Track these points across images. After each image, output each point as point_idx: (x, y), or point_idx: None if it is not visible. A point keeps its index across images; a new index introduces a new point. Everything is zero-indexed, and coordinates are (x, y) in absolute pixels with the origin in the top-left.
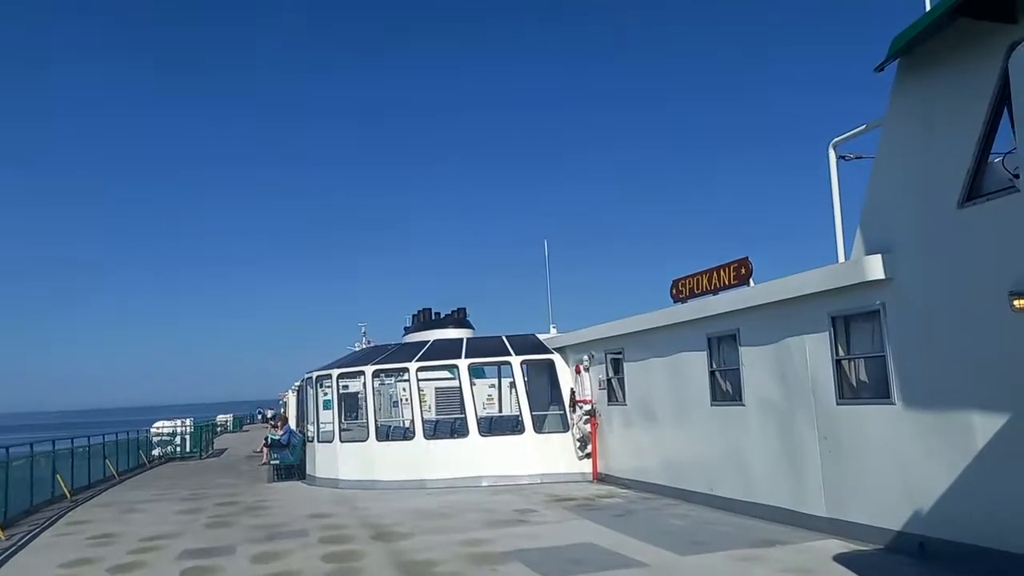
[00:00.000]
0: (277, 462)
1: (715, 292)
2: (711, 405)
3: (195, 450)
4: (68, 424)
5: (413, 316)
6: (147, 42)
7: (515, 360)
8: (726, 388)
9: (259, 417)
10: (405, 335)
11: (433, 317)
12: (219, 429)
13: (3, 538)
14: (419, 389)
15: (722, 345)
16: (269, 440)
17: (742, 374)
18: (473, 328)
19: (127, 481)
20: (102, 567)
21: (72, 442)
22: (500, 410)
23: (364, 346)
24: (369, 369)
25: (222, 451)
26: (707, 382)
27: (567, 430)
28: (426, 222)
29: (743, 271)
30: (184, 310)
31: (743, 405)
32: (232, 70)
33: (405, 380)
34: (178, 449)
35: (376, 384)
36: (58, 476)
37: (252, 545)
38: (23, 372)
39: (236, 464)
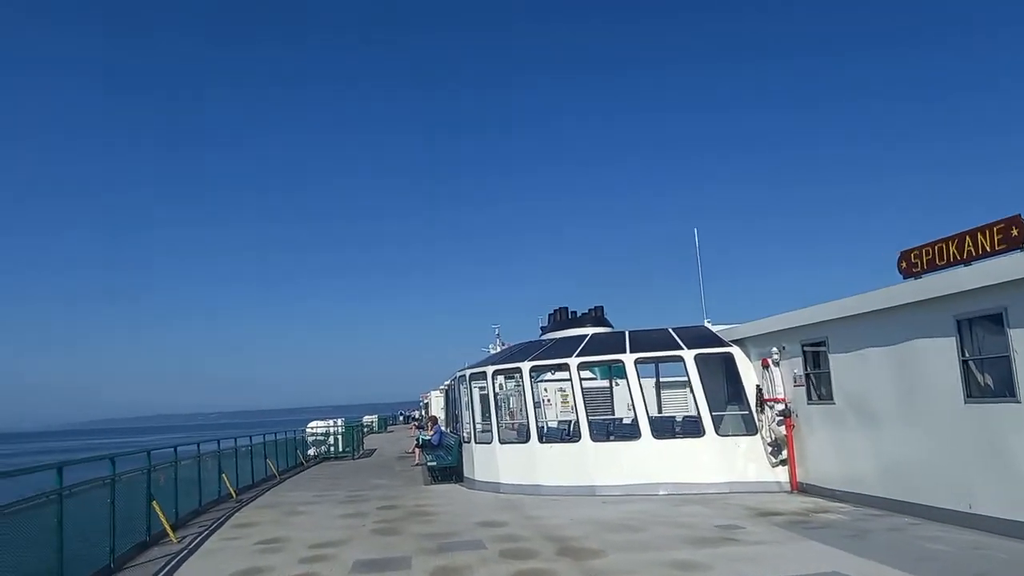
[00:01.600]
0: (433, 464)
1: (967, 262)
2: (965, 403)
3: (347, 450)
4: (225, 424)
5: (550, 316)
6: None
7: (687, 354)
8: (986, 381)
9: (401, 418)
10: (542, 335)
11: (570, 316)
12: (365, 430)
13: (175, 540)
14: (561, 390)
15: (979, 328)
16: (420, 441)
17: (1016, 363)
18: (611, 326)
19: (287, 481)
20: None
21: (235, 442)
22: (659, 410)
23: (500, 348)
24: (526, 366)
25: (372, 451)
26: (958, 374)
27: (754, 432)
28: (556, 225)
29: (1014, 233)
30: (325, 318)
31: (1018, 402)
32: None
33: (545, 380)
34: (331, 449)
35: (511, 385)
36: (223, 476)
37: (426, 557)
38: (186, 375)
39: (389, 464)
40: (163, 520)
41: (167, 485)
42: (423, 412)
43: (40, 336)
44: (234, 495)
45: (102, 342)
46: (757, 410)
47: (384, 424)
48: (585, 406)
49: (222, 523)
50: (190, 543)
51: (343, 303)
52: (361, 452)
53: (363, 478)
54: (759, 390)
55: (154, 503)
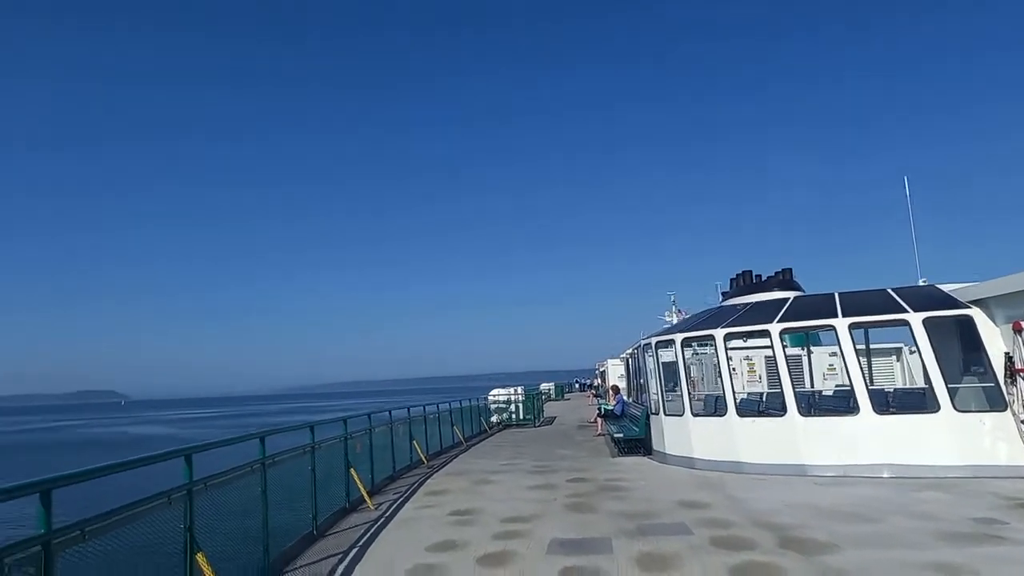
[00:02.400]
0: (619, 435)
1: None
2: None
3: (528, 417)
4: (407, 391)
5: (731, 280)
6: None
7: (914, 318)
8: None
9: (577, 386)
10: (723, 301)
11: (755, 280)
12: (543, 397)
13: (372, 507)
14: (748, 358)
15: None
16: (603, 410)
17: None
18: (802, 289)
19: (473, 448)
20: (470, 554)
21: (424, 409)
22: (871, 382)
23: (677, 316)
24: (719, 333)
25: (552, 419)
26: None
27: (1003, 408)
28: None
29: None
30: (503, 290)
31: None
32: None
33: (729, 348)
34: (513, 416)
35: (688, 354)
36: (414, 442)
37: (628, 540)
38: (375, 346)
39: (570, 434)
40: (360, 487)
41: (363, 452)
42: (599, 381)
43: (248, 312)
44: (425, 461)
45: (296, 317)
46: (1007, 382)
47: (561, 392)
48: (791, 377)
49: (415, 490)
50: (386, 510)
51: (518, 275)
52: (541, 420)
53: (547, 447)
54: (1008, 358)
55: (352, 470)
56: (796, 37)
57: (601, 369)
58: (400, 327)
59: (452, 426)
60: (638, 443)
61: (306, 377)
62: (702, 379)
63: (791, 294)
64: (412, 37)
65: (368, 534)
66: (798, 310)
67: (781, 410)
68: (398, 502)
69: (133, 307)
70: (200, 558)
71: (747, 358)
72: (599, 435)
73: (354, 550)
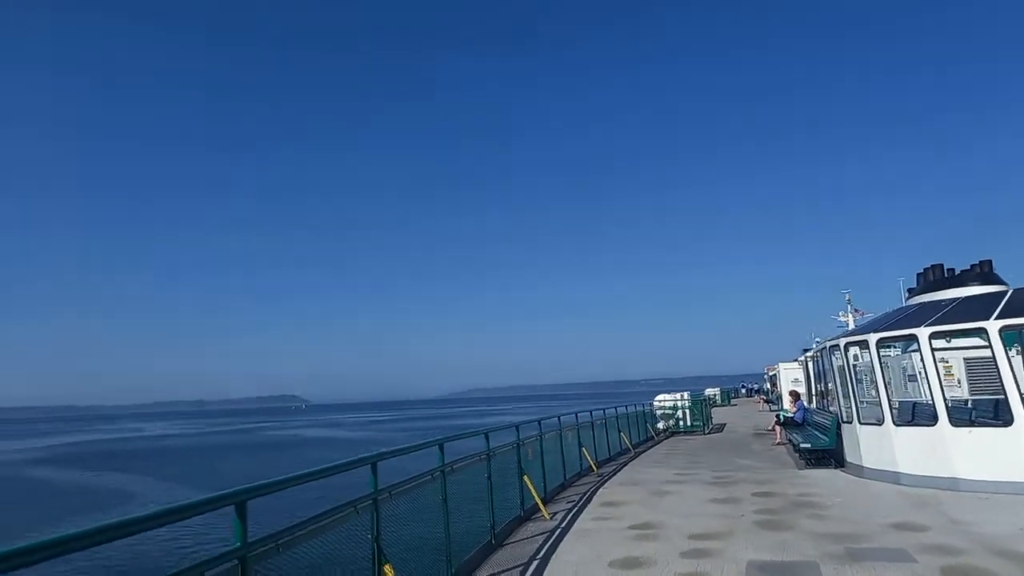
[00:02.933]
0: (806, 445)
1: None
2: None
3: (697, 424)
4: (562, 396)
5: (919, 275)
6: None
7: None
8: None
9: (743, 391)
10: (909, 298)
11: (946, 274)
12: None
13: (547, 517)
14: (944, 360)
15: None
16: (782, 417)
17: None
18: (1005, 284)
19: (641, 456)
20: (658, 574)
21: (591, 414)
22: None
23: (854, 317)
24: (924, 332)
25: (722, 426)
26: None
27: None
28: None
29: None
30: (657, 291)
31: None
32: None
33: (916, 349)
34: (680, 423)
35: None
36: (583, 449)
37: (838, 566)
38: (535, 350)
39: (744, 442)
40: (535, 495)
41: (534, 459)
42: (768, 385)
43: (417, 318)
44: (595, 469)
45: (456, 322)
46: None
47: (727, 397)
48: (966, 382)
49: (588, 499)
50: (562, 520)
51: (671, 276)
52: (711, 427)
53: (722, 456)
54: None
55: (525, 477)
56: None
57: (771, 373)
58: (555, 331)
59: (619, 433)
60: (826, 454)
61: (467, 383)
62: (889, 383)
63: (994, 288)
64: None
65: (547, 546)
66: (1020, 306)
67: (1001, 419)
68: (573, 512)
69: (310, 315)
70: (388, 570)
71: (943, 360)
72: (779, 444)
73: (535, 563)
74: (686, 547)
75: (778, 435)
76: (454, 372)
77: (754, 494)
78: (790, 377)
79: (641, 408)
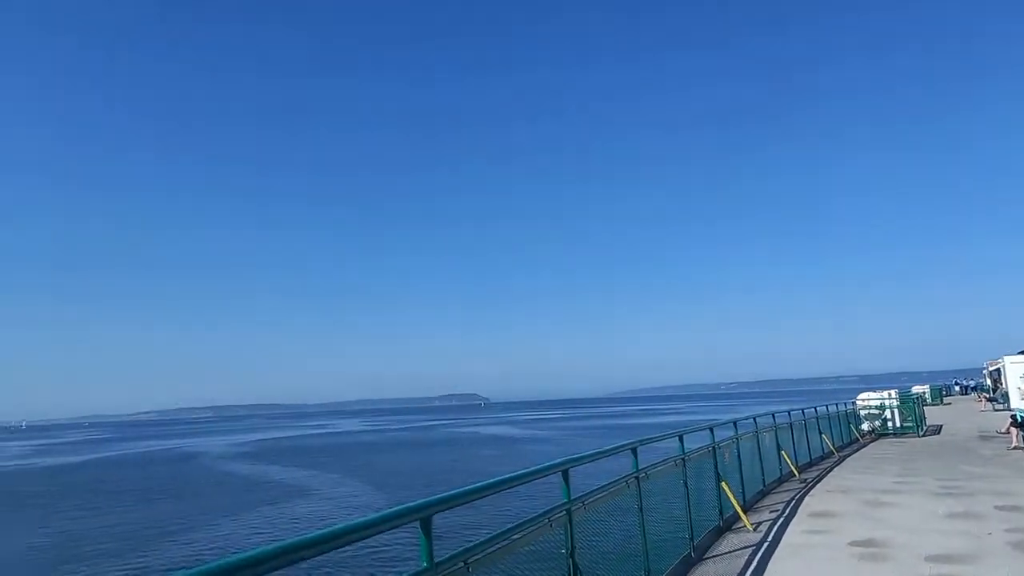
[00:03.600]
0: None
1: None
2: None
3: (908, 425)
4: (746, 395)
5: None
6: None
7: None
8: None
9: (957, 388)
10: None
11: None
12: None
13: (749, 527)
14: None
15: None
16: (1019, 418)
17: None
18: None
19: (847, 461)
20: None
21: (789, 415)
22: None
23: None
24: None
25: (938, 428)
26: None
27: None
28: None
29: None
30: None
31: None
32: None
33: None
34: (888, 424)
35: None
36: (783, 452)
37: None
38: (707, 347)
39: (970, 446)
40: (734, 503)
41: (731, 463)
42: (989, 381)
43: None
44: (796, 474)
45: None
46: None
47: (939, 395)
48: None
49: (794, 509)
50: (767, 533)
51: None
52: (926, 428)
53: (946, 462)
54: None
55: (723, 484)
56: None
57: (994, 368)
58: (732, 325)
59: (820, 434)
60: None
61: (636, 381)
62: None
63: None
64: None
65: (755, 563)
66: None
67: None
68: (779, 523)
69: (493, 314)
70: None
71: None
72: (1014, 448)
73: None
74: (926, 572)
75: (1014, 438)
76: (625, 370)
77: (998, 507)
78: (1018, 373)
79: (844, 407)
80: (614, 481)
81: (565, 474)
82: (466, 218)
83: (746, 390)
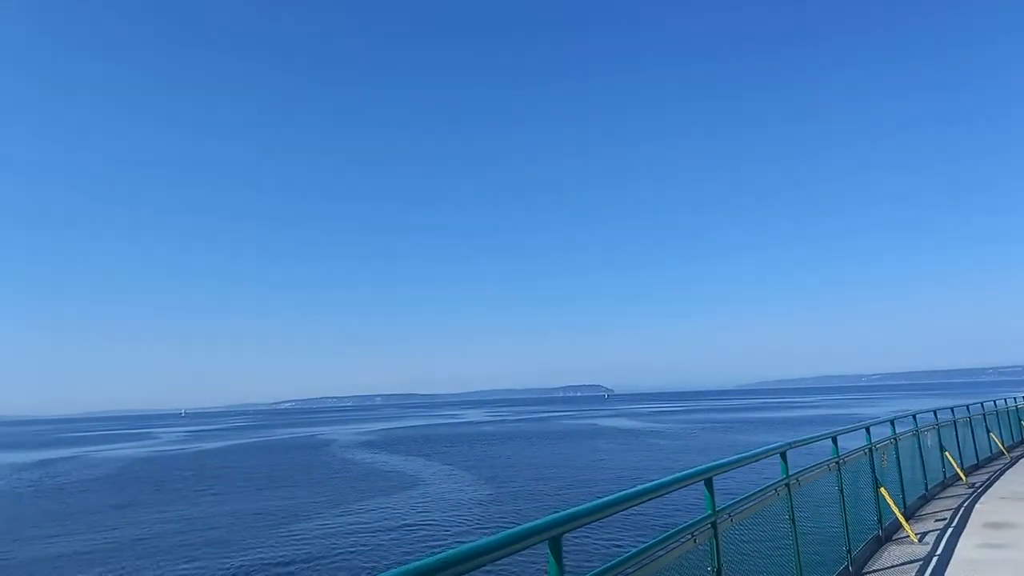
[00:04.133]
0: None
1: None
2: None
3: None
4: (891, 387)
5: None
6: None
7: None
8: None
9: None
10: None
11: None
12: None
13: (913, 538)
14: None
15: None
16: None
17: None
18: None
19: (1021, 462)
20: None
21: (952, 412)
22: None
23: None
24: None
25: None
26: None
27: None
28: None
29: None
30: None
31: None
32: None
33: None
34: None
35: None
36: (946, 453)
37: None
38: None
39: None
40: (895, 511)
41: (889, 466)
42: None
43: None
44: (963, 478)
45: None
46: None
47: None
48: None
49: (964, 519)
50: (935, 545)
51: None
52: None
53: None
54: None
55: (882, 490)
56: None
57: None
58: (870, 313)
59: (988, 433)
60: None
61: (766, 373)
62: None
63: None
64: None
65: None
66: None
67: None
68: (948, 534)
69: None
70: None
71: None
72: None
73: None
74: None
75: None
76: (758, 361)
77: None
78: None
79: (1014, 402)
80: (763, 489)
81: (708, 483)
82: (603, 213)
83: (891, 382)
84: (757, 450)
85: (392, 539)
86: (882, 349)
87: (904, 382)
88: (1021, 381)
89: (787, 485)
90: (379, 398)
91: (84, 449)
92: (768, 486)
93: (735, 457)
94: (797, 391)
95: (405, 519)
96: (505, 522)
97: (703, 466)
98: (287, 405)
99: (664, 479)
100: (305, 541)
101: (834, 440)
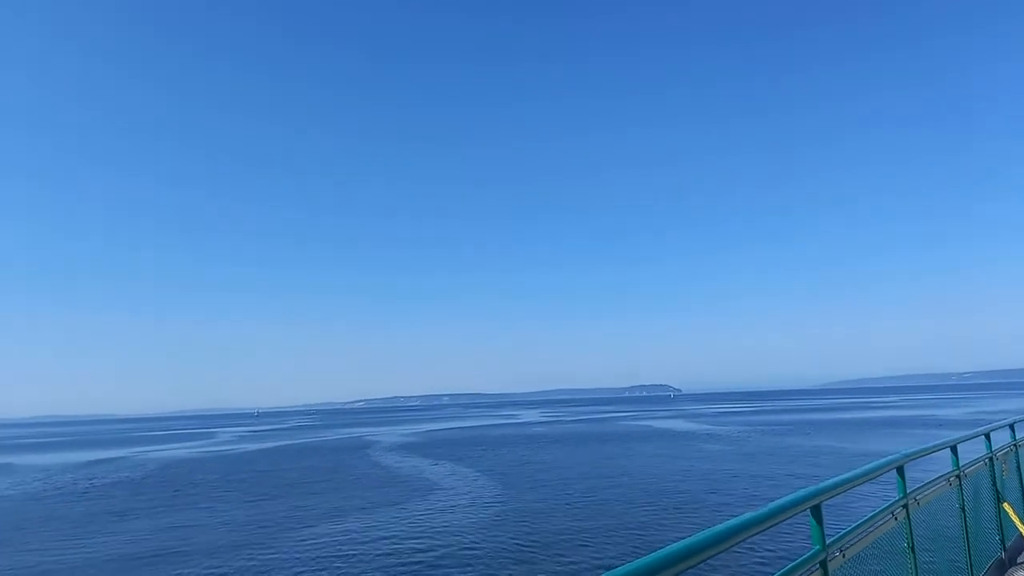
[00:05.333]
0: None
1: None
2: None
3: None
4: (987, 385)
5: None
6: None
7: None
8: None
9: None
10: None
11: None
12: None
13: None
14: None
15: None
16: None
17: None
18: None
19: None
20: None
21: None
22: None
23: None
24: None
25: None
26: None
27: None
28: None
29: None
30: None
31: None
32: None
33: None
34: None
35: None
36: None
37: None
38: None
39: None
40: (1022, 529)
41: (1010, 477)
42: None
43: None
44: None
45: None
46: None
47: None
48: None
49: None
50: None
51: None
52: None
53: None
54: None
55: (1005, 505)
56: None
57: None
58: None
59: None
60: None
61: (849, 371)
62: None
63: None
64: None
65: None
66: None
67: None
68: None
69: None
70: None
71: None
72: None
73: None
74: None
75: None
76: (841, 358)
77: None
78: None
79: None
80: (876, 514)
81: (816, 511)
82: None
83: (985, 380)
84: (869, 466)
85: (362, 561)
86: (976, 344)
87: (999, 380)
88: None
89: (905, 507)
90: (446, 397)
91: (138, 449)
92: (883, 509)
93: (846, 476)
94: (876, 390)
95: (387, 538)
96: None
97: (807, 491)
98: (359, 404)
99: (767, 510)
100: (278, 556)
101: (953, 449)
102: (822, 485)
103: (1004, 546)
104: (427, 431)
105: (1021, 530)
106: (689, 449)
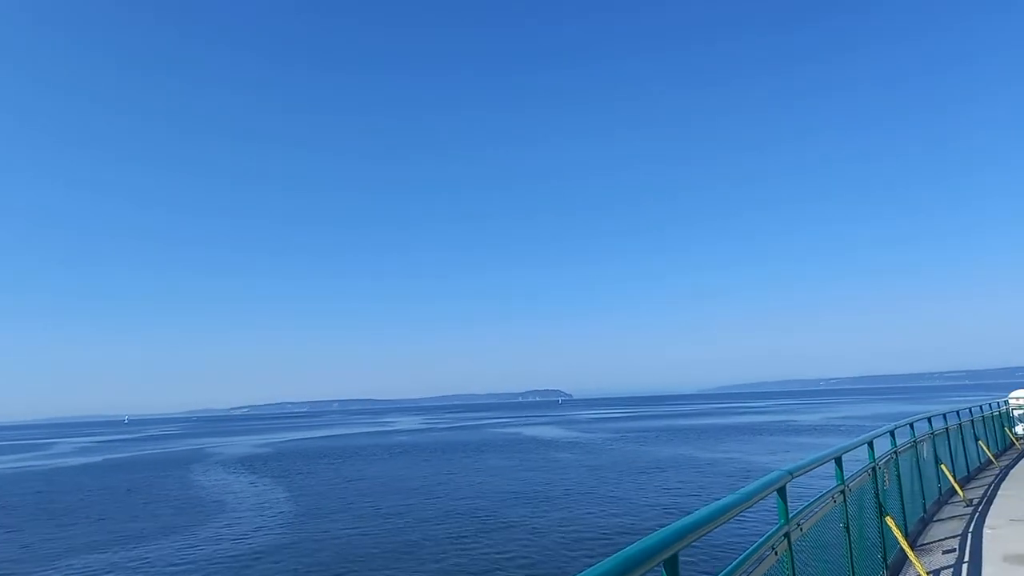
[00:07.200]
0: None
1: None
2: None
3: None
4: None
5: None
6: None
7: None
8: None
9: None
10: None
11: None
12: None
13: (923, 575)
14: None
15: None
16: None
17: None
18: None
19: (1012, 472)
20: None
21: (945, 419)
22: None
23: None
24: None
25: None
26: None
27: None
28: None
29: None
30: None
31: None
32: None
33: None
34: None
35: None
36: (942, 467)
37: None
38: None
39: None
40: (903, 543)
41: (890, 487)
42: None
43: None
44: (961, 493)
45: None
46: None
47: None
48: None
49: (976, 548)
50: None
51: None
52: None
53: None
54: None
55: (887, 519)
56: None
57: None
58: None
59: (976, 441)
60: None
61: (725, 378)
62: None
63: None
64: None
65: None
66: None
67: None
68: (964, 571)
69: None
70: None
71: None
72: None
73: None
74: None
75: None
76: (721, 366)
77: None
78: None
79: (993, 409)
80: (755, 548)
81: (671, 563)
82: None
83: (848, 386)
84: (750, 487)
85: None
86: (837, 355)
87: (861, 386)
88: (965, 385)
89: (786, 535)
90: (336, 404)
91: None
92: (762, 541)
93: (718, 505)
94: (753, 395)
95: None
96: None
97: (667, 530)
98: (242, 411)
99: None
100: None
101: (838, 461)
102: (682, 523)
103: (886, 562)
104: (281, 441)
105: (903, 544)
106: (539, 460)
